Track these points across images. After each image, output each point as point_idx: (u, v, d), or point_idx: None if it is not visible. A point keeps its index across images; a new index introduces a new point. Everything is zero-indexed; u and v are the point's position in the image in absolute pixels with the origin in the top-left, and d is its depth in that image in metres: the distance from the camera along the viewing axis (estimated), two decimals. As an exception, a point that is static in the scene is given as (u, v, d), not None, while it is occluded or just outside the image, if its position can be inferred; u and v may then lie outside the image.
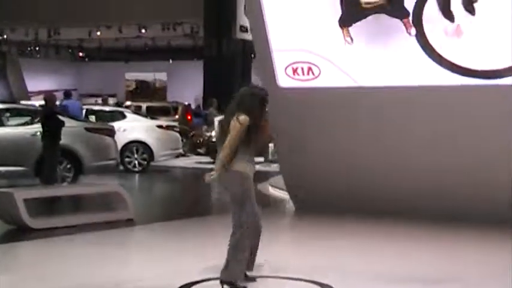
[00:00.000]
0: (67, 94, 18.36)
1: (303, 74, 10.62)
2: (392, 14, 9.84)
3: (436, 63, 9.68)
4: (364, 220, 10.10)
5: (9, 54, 37.03)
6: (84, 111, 17.93)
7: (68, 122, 13.18)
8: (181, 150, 19.16)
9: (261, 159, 18.20)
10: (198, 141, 20.79)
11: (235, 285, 6.29)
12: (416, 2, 9.61)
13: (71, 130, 13.37)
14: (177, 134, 18.66)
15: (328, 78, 10.47)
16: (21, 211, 9.44)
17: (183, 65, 41.50)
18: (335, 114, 10.64)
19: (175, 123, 20.15)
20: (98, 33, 35.37)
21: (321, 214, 10.50)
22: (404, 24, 9.73)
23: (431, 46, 9.64)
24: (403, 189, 10.30)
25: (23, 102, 20.56)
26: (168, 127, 18.59)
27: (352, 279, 7.03)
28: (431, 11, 9.53)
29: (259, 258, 6.67)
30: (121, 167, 16.38)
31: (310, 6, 10.42)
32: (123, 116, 18.18)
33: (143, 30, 34.71)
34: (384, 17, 9.90)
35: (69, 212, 11.16)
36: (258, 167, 7.48)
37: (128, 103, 24.80)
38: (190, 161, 20.76)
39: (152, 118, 19.43)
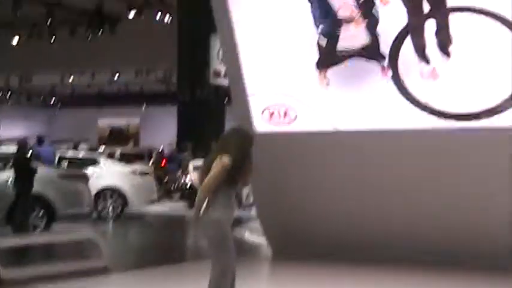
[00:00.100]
0: (40, 140, 18.14)
1: (280, 117, 10.56)
2: (367, 58, 9.85)
3: (412, 106, 9.65)
4: (348, 267, 9.99)
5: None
6: (57, 158, 17.69)
7: (41, 169, 12.97)
8: (155, 196, 18.92)
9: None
10: (172, 187, 20.60)
11: None
12: (392, 45, 9.62)
13: (43, 177, 13.15)
14: (152, 180, 18.45)
15: (305, 122, 10.41)
16: (-8, 261, 9.19)
17: (156, 111, 41.48)
18: (312, 157, 10.56)
19: (150, 169, 19.94)
20: (71, 79, 35.30)
21: (299, 260, 10.34)
22: (381, 67, 9.73)
23: (407, 89, 9.63)
24: (383, 233, 10.20)
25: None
26: (142, 173, 18.38)
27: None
28: (407, 54, 9.54)
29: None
30: (94, 214, 16.11)
31: (286, 49, 10.40)
32: (97, 162, 17.96)
33: (116, 76, 34.70)
34: (360, 60, 9.90)
35: (42, 261, 10.86)
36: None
37: (102, 149, 24.58)
38: (165, 207, 20.54)
39: (126, 164, 19.22)
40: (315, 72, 10.21)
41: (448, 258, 9.73)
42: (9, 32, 29.53)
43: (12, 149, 14.44)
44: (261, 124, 10.64)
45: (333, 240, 10.51)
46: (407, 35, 9.49)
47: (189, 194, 20.03)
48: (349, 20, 9.89)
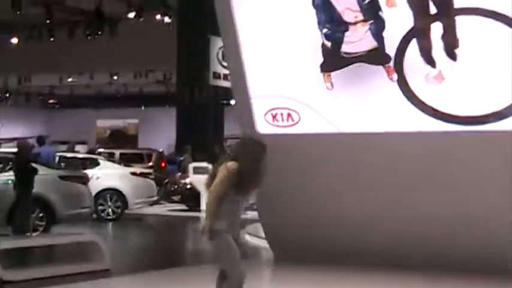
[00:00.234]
0: (40, 140, 18.03)
1: (283, 120, 10.50)
2: (372, 62, 9.80)
3: (417, 109, 9.61)
4: (349, 270, 9.95)
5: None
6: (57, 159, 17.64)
7: (41, 170, 12.90)
8: (155, 198, 18.88)
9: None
10: (172, 189, 20.55)
11: None
12: (398, 48, 9.57)
13: (44, 178, 13.07)
14: (152, 182, 18.40)
15: (308, 125, 10.35)
16: (-8, 262, 9.12)
17: (155, 112, 41.41)
18: (315, 160, 10.50)
19: (150, 171, 19.88)
20: (69, 79, 35.22)
21: (301, 264, 10.29)
22: (386, 70, 9.68)
23: (412, 92, 9.58)
24: (385, 237, 10.14)
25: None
26: (142, 174, 18.33)
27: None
28: (412, 57, 9.49)
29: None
30: (94, 215, 16.05)
31: (290, 52, 10.35)
32: (97, 163, 17.91)
33: (115, 77, 34.62)
34: (365, 63, 9.84)
35: (43, 263, 10.81)
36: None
37: (101, 150, 24.52)
38: (165, 209, 20.48)
39: (126, 165, 19.16)
40: (319, 74, 10.15)
41: (449, 262, 9.68)
42: (8, 33, 29.44)
43: (9, 149, 14.40)
44: (263, 126, 10.58)
45: (335, 244, 10.45)
46: (413, 37, 9.44)
47: (188, 196, 19.99)
48: (354, 24, 9.84)
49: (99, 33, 28.71)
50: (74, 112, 44.38)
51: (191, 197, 19.80)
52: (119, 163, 19.63)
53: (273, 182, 10.71)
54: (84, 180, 14.53)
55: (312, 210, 10.69)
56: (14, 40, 29.21)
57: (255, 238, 13.04)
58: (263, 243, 12.05)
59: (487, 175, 9.43)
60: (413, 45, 9.49)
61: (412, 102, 9.61)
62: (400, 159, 9.92)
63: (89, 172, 15.97)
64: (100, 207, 17.11)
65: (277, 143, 10.46)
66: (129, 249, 13.90)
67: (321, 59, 10.12)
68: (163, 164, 24.13)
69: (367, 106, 9.97)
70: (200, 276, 10.28)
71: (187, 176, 20.15)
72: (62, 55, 30.27)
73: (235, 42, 10.56)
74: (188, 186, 20.07)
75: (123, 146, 31.37)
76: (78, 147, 28.29)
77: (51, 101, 43.60)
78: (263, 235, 11.90)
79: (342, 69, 10.00)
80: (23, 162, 12.43)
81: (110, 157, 21.90)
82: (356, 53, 9.88)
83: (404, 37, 9.49)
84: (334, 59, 10.04)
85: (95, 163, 17.94)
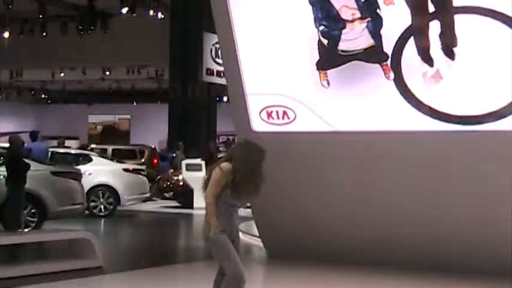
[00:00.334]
0: (33, 136, 17.88)
1: (278, 118, 10.44)
2: (369, 60, 9.73)
3: (414, 108, 9.54)
4: (344, 269, 9.90)
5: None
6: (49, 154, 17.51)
7: (33, 166, 12.77)
8: (148, 195, 18.79)
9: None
10: (165, 185, 20.46)
11: None
12: (395, 46, 9.50)
13: (36, 174, 12.95)
14: (144, 178, 18.31)
15: (304, 123, 10.29)
16: (-17, 259, 9.02)
17: (147, 108, 41.30)
18: (310, 158, 10.44)
19: (142, 167, 19.78)
20: (61, 74, 35.07)
21: (295, 262, 10.24)
22: (383, 69, 9.61)
23: (409, 90, 9.51)
24: (381, 236, 10.09)
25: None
26: (134, 171, 18.24)
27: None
28: (410, 55, 9.42)
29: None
30: (86, 212, 15.94)
31: (286, 49, 10.28)
32: (89, 160, 17.80)
33: (107, 73, 34.50)
34: (361, 61, 9.77)
35: (34, 260, 10.69)
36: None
37: (93, 146, 24.40)
38: (157, 205, 20.40)
39: (118, 161, 19.06)
40: (315, 72, 10.08)
41: (447, 261, 9.63)
42: (0, 27, 29.26)
43: (1, 144, 14.29)
44: (258, 124, 10.51)
45: (329, 242, 10.39)
46: (410, 36, 9.37)
47: (181, 193, 19.91)
48: (352, 21, 9.76)
49: (92, 28, 28.62)
50: (66, 107, 44.22)
51: (184, 194, 19.73)
52: (112, 159, 19.52)
53: (267, 179, 10.68)
54: (77, 176, 14.41)
55: (306, 209, 10.63)
56: (6, 34, 29.02)
57: (248, 236, 12.96)
58: (256, 241, 11.99)
59: (486, 175, 9.36)
60: (411, 44, 9.41)
61: (409, 101, 9.54)
62: (396, 159, 9.86)
63: (81, 168, 15.87)
64: (92, 204, 17.02)
65: (272, 140, 10.40)
66: (122, 246, 13.80)
67: (317, 57, 10.04)
68: (155, 161, 24.03)
69: (364, 105, 9.90)
70: (192, 274, 10.25)
71: (180, 173, 20.07)
72: (54, 50, 30.12)
73: (231, 39, 10.48)
74: (181, 183, 19.99)
75: (114, 142, 31.27)
76: (70, 143, 28.26)
77: (43, 96, 43.40)
78: (256, 233, 11.83)
79: (339, 68, 9.93)
80: (15, 158, 12.30)
81: (103, 153, 21.76)
82: (353, 50, 9.80)
83: (401, 35, 9.42)
84: (330, 57, 9.97)
85: (87, 159, 17.85)
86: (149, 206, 19.97)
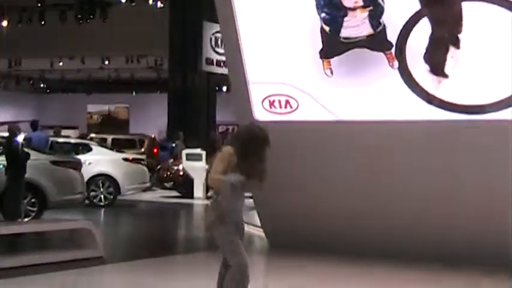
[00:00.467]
0: (34, 125, 17.78)
1: (280, 107, 10.35)
2: (373, 48, 9.62)
3: (418, 97, 9.44)
4: (346, 260, 9.84)
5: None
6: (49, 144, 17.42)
7: (33, 155, 12.68)
8: (148, 184, 18.72)
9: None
10: (165, 175, 20.38)
11: None
12: (399, 35, 9.39)
13: (36, 163, 12.86)
14: (144, 167, 18.23)
15: (306, 112, 10.20)
16: (-17, 249, 8.93)
17: (146, 98, 41.20)
18: (313, 148, 10.36)
19: (142, 156, 19.70)
20: (60, 64, 34.92)
21: (296, 252, 10.17)
22: (387, 57, 9.50)
23: (414, 80, 9.41)
24: (382, 227, 10.00)
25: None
26: (134, 160, 18.15)
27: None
28: (415, 44, 9.30)
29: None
30: (86, 201, 15.86)
31: (288, 38, 10.18)
32: (89, 149, 17.71)
33: (106, 62, 34.37)
34: (365, 50, 9.67)
35: (35, 250, 10.60)
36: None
37: (93, 135, 24.29)
38: (157, 195, 20.33)
39: (118, 151, 18.96)
40: (318, 61, 9.98)
41: (450, 255, 9.55)
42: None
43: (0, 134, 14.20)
44: (261, 113, 10.42)
45: (331, 232, 10.31)
46: (415, 24, 9.25)
47: (181, 183, 19.84)
48: (354, 9, 9.65)
49: (91, 17, 28.44)
50: (65, 97, 44.09)
51: (184, 184, 19.66)
52: (111, 149, 19.43)
53: (269, 169, 10.60)
54: (77, 165, 14.34)
55: (308, 199, 10.55)
56: (4, 23, 28.86)
57: (250, 226, 12.88)
58: (258, 232, 11.92)
59: (489, 164, 9.28)
60: (416, 32, 9.30)
61: (414, 91, 9.44)
62: (400, 148, 9.76)
63: (81, 157, 15.79)
64: (92, 193, 16.96)
65: (274, 130, 10.28)
66: (122, 236, 13.74)
67: (320, 46, 9.94)
68: (155, 150, 23.94)
69: (367, 94, 9.81)
70: (193, 264, 10.19)
71: (180, 163, 19.99)
72: (53, 39, 29.95)
73: (233, 27, 10.38)
74: (181, 173, 19.91)
75: (113, 131, 31.17)
76: (69, 132, 28.13)
77: (41, 85, 43.26)
78: (258, 223, 11.76)
79: (342, 56, 9.82)
80: (14, 147, 12.20)
81: (102, 142, 21.66)
82: (356, 37, 9.70)
83: (406, 23, 9.32)
84: (333, 45, 9.87)
85: (87, 148, 17.76)
86: (149, 196, 19.90)
